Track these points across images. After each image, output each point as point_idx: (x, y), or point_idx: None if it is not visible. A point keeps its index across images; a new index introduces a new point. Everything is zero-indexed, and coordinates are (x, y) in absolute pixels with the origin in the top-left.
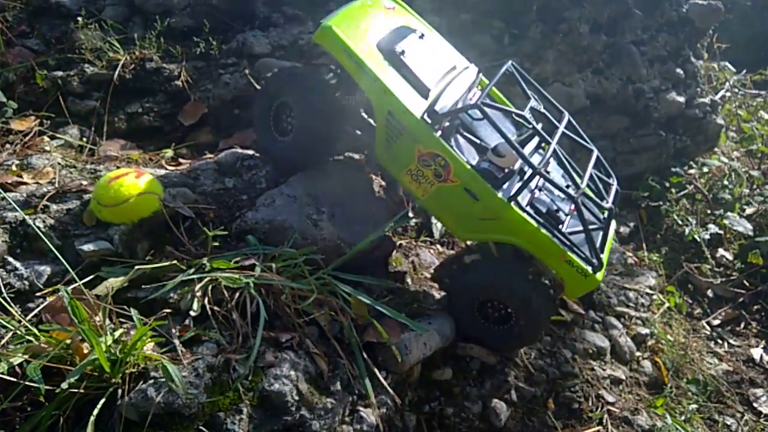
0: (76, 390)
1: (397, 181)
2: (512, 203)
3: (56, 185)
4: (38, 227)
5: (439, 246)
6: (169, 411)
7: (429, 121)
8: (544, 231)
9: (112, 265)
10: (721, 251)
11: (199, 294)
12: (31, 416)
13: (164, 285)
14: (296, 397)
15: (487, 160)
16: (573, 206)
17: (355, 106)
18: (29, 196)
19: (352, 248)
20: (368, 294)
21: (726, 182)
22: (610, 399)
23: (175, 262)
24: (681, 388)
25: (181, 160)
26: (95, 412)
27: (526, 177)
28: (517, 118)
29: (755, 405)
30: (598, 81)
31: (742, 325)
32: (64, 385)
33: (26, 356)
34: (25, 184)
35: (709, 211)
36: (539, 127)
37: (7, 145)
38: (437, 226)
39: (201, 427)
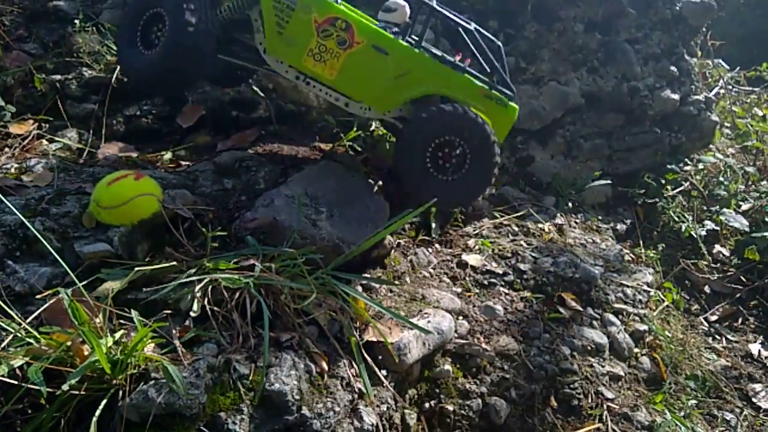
0: (77, 392)
1: (302, 71)
2: (419, 50)
3: (55, 188)
4: (37, 230)
5: (437, 245)
6: (170, 411)
7: None
8: (456, 71)
9: (111, 267)
10: (717, 247)
11: (199, 295)
12: (32, 419)
13: (164, 286)
14: (296, 397)
15: (381, 20)
16: (459, 56)
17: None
18: (28, 198)
19: (350, 248)
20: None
21: (721, 179)
22: (610, 395)
23: (174, 263)
24: (680, 384)
25: (179, 162)
26: (97, 413)
27: (424, 19)
28: None
29: (754, 400)
30: (593, 79)
31: (740, 321)
32: (65, 387)
33: (27, 359)
34: (25, 187)
35: (705, 208)
36: None
37: (6, 149)
38: (435, 225)
39: (202, 428)
